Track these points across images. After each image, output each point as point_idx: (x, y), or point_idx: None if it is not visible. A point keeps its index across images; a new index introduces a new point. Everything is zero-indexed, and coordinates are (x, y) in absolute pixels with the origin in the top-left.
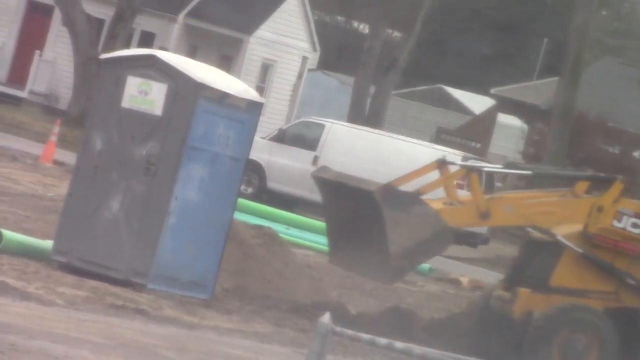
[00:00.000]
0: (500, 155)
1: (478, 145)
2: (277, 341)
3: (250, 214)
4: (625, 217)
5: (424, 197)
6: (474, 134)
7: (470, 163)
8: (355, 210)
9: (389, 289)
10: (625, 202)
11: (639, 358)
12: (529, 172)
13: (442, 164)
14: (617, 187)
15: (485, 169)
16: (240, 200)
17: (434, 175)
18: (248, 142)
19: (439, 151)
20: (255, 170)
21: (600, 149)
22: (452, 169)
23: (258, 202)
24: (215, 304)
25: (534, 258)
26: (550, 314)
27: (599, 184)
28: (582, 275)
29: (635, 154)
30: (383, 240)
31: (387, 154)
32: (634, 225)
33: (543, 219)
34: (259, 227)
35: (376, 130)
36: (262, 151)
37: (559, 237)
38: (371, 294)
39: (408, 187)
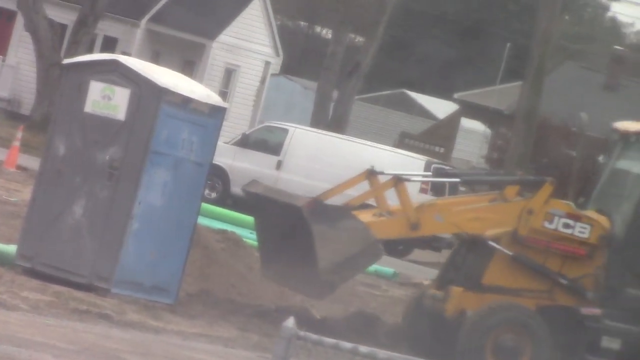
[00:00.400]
0: (464, 160)
1: (441, 150)
2: (241, 345)
3: (214, 219)
4: (556, 218)
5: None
6: (437, 138)
7: (397, 172)
8: (285, 225)
9: (352, 294)
10: (555, 203)
11: (571, 355)
12: (457, 180)
13: (371, 174)
14: (546, 189)
15: (413, 179)
16: (204, 205)
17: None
18: (211, 147)
19: (402, 156)
20: (219, 175)
21: (563, 154)
22: (382, 179)
23: (222, 207)
24: (179, 309)
25: (466, 257)
26: (482, 314)
27: (530, 187)
28: (515, 275)
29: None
30: (312, 255)
31: (350, 158)
32: (566, 226)
33: (473, 226)
34: (223, 231)
35: (339, 135)
36: (225, 156)
37: (490, 242)
38: (335, 298)
39: (341, 198)
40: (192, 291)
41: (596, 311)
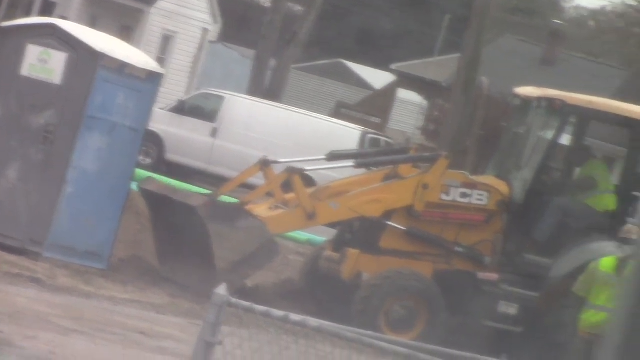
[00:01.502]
0: (400, 131)
1: (377, 121)
2: (172, 312)
3: None
4: (452, 189)
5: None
6: (373, 109)
7: (291, 163)
8: (181, 223)
9: (284, 263)
10: (450, 174)
11: (469, 320)
12: (351, 164)
13: (265, 165)
14: (442, 164)
15: (307, 168)
16: (138, 171)
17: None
18: (147, 113)
19: (338, 125)
20: (153, 141)
21: (501, 127)
22: (276, 168)
23: (156, 174)
24: (111, 274)
25: (364, 220)
26: (376, 283)
27: (427, 163)
28: (412, 239)
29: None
30: (209, 255)
31: (285, 127)
32: (463, 195)
33: (370, 209)
34: None
35: (276, 104)
36: (161, 122)
37: (385, 221)
38: (267, 267)
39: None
40: (124, 257)
41: (493, 276)
